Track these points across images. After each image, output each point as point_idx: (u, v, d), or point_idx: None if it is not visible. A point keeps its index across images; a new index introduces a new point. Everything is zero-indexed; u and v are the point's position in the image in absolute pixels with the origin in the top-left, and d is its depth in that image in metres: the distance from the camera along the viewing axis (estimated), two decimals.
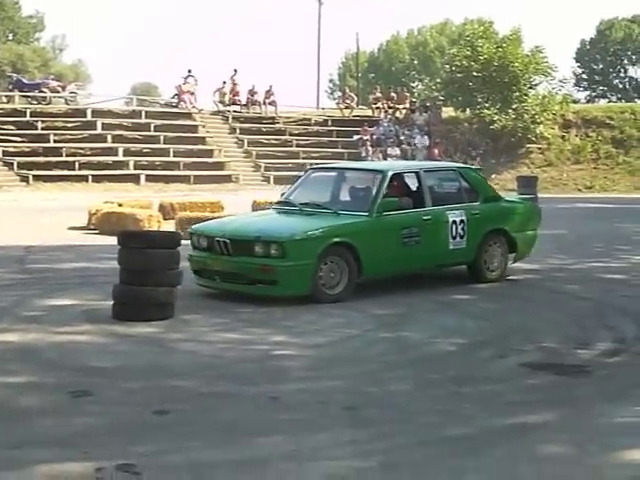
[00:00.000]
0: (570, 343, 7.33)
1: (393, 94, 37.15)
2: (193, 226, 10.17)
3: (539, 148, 34.10)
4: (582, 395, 5.86)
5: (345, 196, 10.17)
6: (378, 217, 9.41)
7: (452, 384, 6.05)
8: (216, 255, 9.14)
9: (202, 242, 9.41)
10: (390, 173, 9.87)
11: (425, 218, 9.79)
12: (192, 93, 34.44)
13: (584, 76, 68.39)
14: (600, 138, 34.36)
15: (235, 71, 35.38)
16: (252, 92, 35.31)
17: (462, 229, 10.00)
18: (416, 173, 10.20)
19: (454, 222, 9.96)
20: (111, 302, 7.98)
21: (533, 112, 33.62)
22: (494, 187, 12.27)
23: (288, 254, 8.74)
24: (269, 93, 35.19)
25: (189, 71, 35.27)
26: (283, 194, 10.51)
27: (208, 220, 15.01)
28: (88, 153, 29.86)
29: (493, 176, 32.40)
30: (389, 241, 9.48)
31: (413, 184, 10.15)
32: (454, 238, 9.97)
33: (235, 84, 35.21)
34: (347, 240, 9.10)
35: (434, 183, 10.32)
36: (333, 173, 11.02)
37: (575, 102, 42.16)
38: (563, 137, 34.68)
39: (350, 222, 9.36)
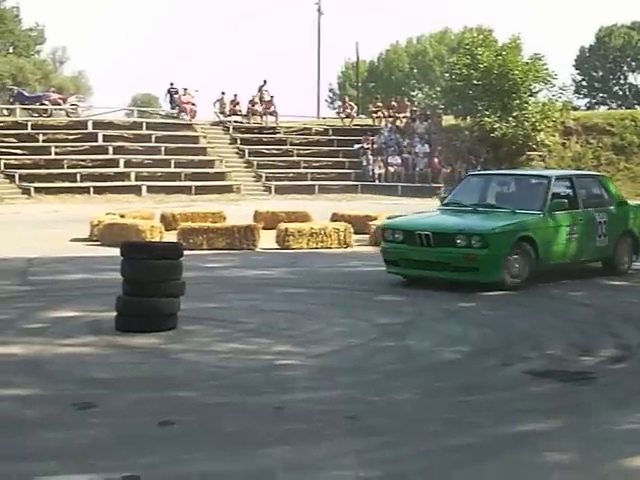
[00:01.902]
0: (574, 350, 7.33)
1: (394, 103, 37.20)
2: (386, 222, 12.43)
3: (540, 155, 34.09)
4: (587, 402, 5.85)
5: (516, 197, 11.52)
6: (549, 215, 10.85)
7: (457, 392, 6.04)
8: (415, 246, 10.40)
9: (398, 236, 10.82)
10: (554, 178, 11.44)
11: (580, 218, 11.23)
12: (193, 104, 34.54)
13: (584, 83, 68.48)
14: (601, 145, 34.37)
15: (265, 82, 35.42)
16: (253, 102, 35.38)
17: (605, 229, 11.49)
18: (570, 179, 11.74)
19: (599, 222, 11.45)
20: (114, 313, 7.97)
21: (533, 119, 33.59)
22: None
23: (489, 245, 10.13)
24: (270, 103, 35.24)
25: (171, 84, 35.93)
26: (444, 197, 12.39)
27: (209, 229, 15.13)
28: (89, 165, 29.93)
29: None
30: (558, 236, 10.93)
31: (569, 188, 11.50)
32: (599, 236, 11.45)
33: (263, 94, 35.19)
34: (530, 234, 10.51)
35: (583, 188, 11.79)
36: (491, 178, 12.62)
37: (575, 109, 42.16)
38: (564, 144, 34.69)
39: (530, 219, 10.75)
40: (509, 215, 10.80)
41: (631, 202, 13.32)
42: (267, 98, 35.21)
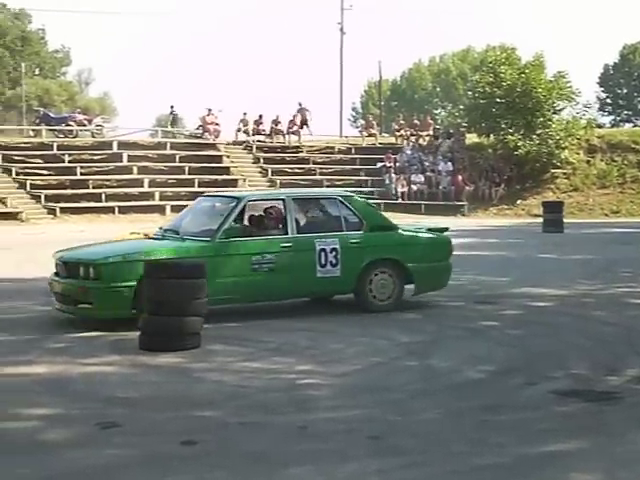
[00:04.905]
0: (599, 369, 7.25)
1: (416, 121, 37.23)
2: None
3: (564, 173, 33.93)
4: (613, 422, 5.78)
5: (200, 222, 10.13)
6: (222, 242, 9.42)
7: (481, 412, 5.99)
8: (57, 277, 9.61)
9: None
10: (245, 200, 9.92)
11: (284, 245, 9.71)
12: (217, 124, 34.77)
13: (608, 101, 68.23)
14: (626, 162, 34.14)
15: (300, 104, 35.81)
16: (276, 122, 35.55)
17: (334, 257, 9.83)
18: (282, 201, 10.04)
19: (322, 250, 9.80)
20: (138, 332, 8.00)
21: (557, 137, 33.49)
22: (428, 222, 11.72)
23: (103, 276, 8.99)
24: (292, 122, 35.38)
25: (172, 107, 37.99)
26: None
27: None
28: (114, 185, 30.16)
29: (519, 202, 32.32)
30: (233, 267, 9.48)
31: (276, 212, 10.02)
32: (323, 266, 9.79)
33: (305, 115, 35.62)
34: None
35: (303, 211, 10.24)
36: (210, 201, 11.10)
37: (600, 127, 41.93)
38: (588, 162, 34.50)
39: (184, 246, 9.44)
40: (172, 242, 9.56)
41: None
42: (309, 118, 35.53)
